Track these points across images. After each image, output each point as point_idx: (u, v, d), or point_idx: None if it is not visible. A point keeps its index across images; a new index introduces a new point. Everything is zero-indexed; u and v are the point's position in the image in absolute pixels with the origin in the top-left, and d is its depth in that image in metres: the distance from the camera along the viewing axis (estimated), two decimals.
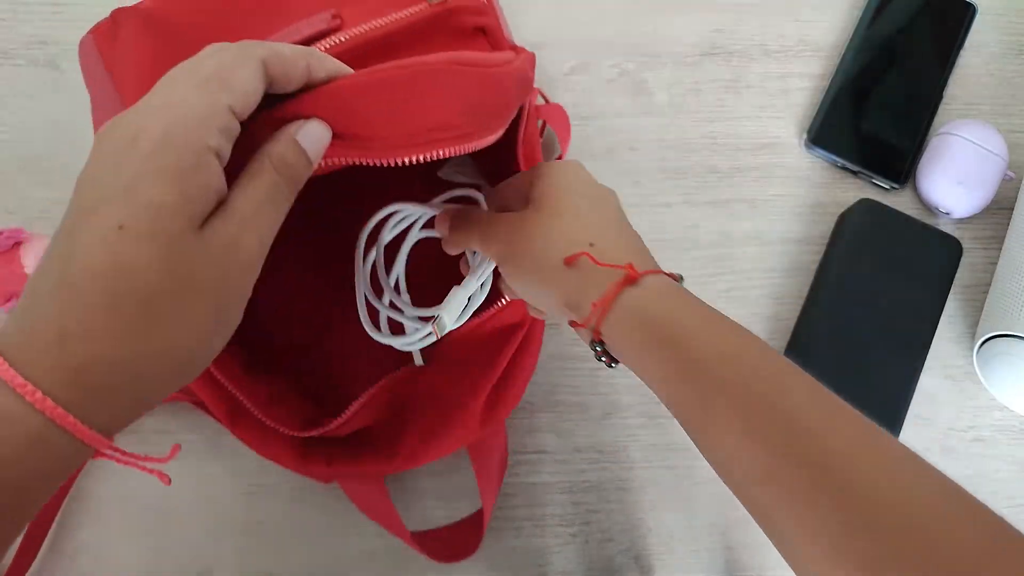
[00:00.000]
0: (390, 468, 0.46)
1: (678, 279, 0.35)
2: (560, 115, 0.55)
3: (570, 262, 0.33)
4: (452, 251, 0.41)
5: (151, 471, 0.27)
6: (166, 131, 0.24)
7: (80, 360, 0.23)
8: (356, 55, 0.35)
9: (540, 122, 0.50)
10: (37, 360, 0.22)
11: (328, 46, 0.36)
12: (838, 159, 0.57)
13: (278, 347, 0.48)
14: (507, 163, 0.42)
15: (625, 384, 0.54)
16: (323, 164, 0.30)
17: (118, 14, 0.38)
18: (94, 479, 0.51)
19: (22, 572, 0.48)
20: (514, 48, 0.40)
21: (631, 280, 0.32)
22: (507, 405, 0.48)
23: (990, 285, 0.55)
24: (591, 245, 0.33)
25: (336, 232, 0.47)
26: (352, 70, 0.30)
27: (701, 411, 0.29)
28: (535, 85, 0.46)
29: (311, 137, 0.28)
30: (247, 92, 0.25)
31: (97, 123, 0.44)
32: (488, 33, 0.40)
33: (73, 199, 0.25)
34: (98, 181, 0.24)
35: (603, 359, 0.34)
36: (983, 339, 0.52)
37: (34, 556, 0.49)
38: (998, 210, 0.57)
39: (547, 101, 0.56)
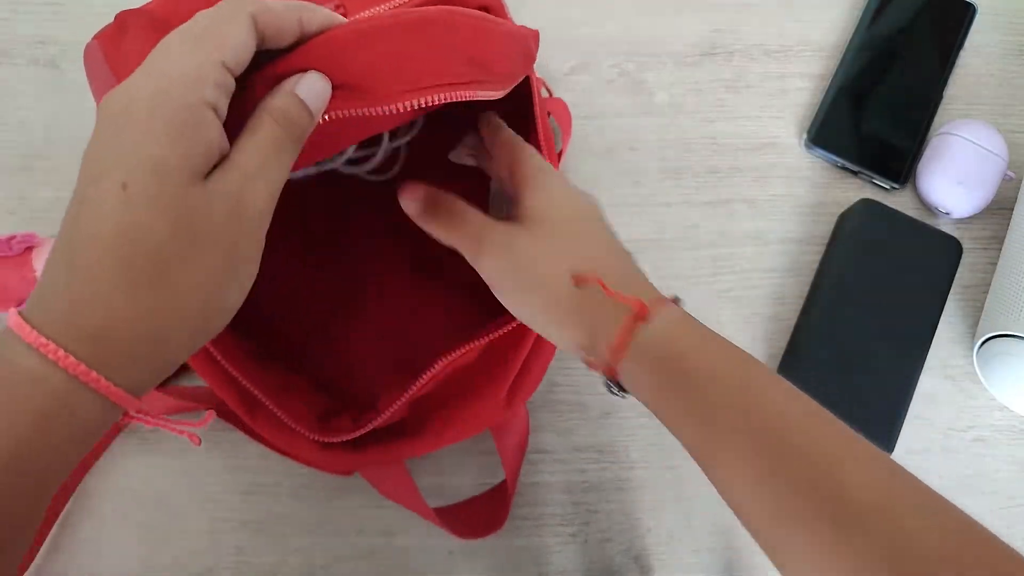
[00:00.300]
0: (414, 452, 0.46)
1: (677, 302, 0.34)
2: (563, 110, 0.55)
3: (580, 283, 0.33)
4: (424, 227, 0.37)
5: (183, 432, 0.28)
6: (160, 90, 0.24)
7: (97, 323, 0.23)
8: (364, 50, 0.34)
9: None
10: (56, 326, 0.23)
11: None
12: (838, 159, 0.57)
13: (288, 340, 0.47)
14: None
15: None
16: (327, 118, 0.29)
17: (123, 17, 0.37)
18: (94, 476, 0.51)
19: (23, 569, 0.48)
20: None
21: (642, 317, 0.32)
22: (528, 387, 0.48)
23: (990, 285, 0.55)
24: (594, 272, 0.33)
25: (343, 222, 0.46)
26: (345, 20, 0.30)
27: (711, 456, 0.30)
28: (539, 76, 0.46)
29: (311, 90, 0.27)
30: (238, 47, 0.25)
31: None
32: (491, 11, 0.39)
33: (79, 175, 0.25)
34: (100, 151, 0.25)
35: (614, 392, 0.34)
36: (983, 339, 0.52)
37: (35, 552, 0.49)
38: (998, 210, 0.57)
39: (551, 94, 0.56)
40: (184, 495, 0.51)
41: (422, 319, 0.50)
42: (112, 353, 0.23)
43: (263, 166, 0.26)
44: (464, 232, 0.35)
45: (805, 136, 0.58)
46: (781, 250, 0.57)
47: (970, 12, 0.59)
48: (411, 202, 0.37)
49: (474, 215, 0.36)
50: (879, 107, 0.58)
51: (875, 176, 0.57)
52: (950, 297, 0.55)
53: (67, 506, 0.50)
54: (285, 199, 0.29)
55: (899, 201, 0.57)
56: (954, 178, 0.54)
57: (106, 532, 0.50)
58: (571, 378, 0.54)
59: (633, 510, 0.53)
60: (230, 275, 0.25)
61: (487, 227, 0.35)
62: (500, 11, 0.40)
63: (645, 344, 0.32)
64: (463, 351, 0.41)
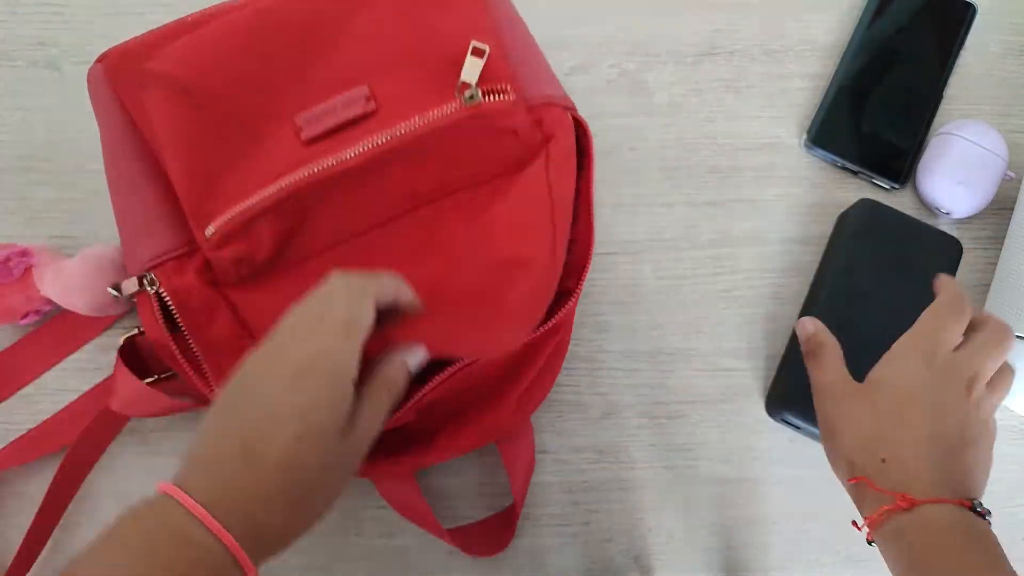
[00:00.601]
0: (424, 461, 0.46)
1: (974, 508, 0.39)
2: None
3: (852, 481, 0.41)
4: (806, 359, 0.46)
5: None
6: (330, 372, 0.34)
7: (258, 523, 0.32)
8: (397, 155, 0.40)
9: None
10: (233, 521, 0.31)
11: (367, 147, 0.40)
12: (838, 159, 0.57)
13: None
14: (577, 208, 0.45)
15: (625, 384, 0.54)
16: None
17: (144, 74, 0.40)
18: (93, 478, 0.51)
19: (25, 570, 0.49)
20: (543, 113, 0.44)
21: (901, 508, 0.38)
22: (536, 399, 0.49)
23: (990, 285, 0.55)
24: (882, 461, 0.39)
25: (362, 238, 0.47)
26: (419, 303, 0.39)
27: None
28: None
29: (415, 360, 0.39)
30: (368, 327, 0.35)
31: (109, 152, 0.44)
32: (518, 134, 0.43)
33: (247, 395, 0.34)
34: (279, 397, 0.33)
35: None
36: None
37: (36, 555, 0.49)
38: (998, 210, 0.57)
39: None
40: None
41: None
42: (258, 543, 0.32)
43: (375, 423, 0.36)
44: (823, 379, 0.44)
45: (805, 136, 0.58)
46: (781, 250, 0.57)
47: (970, 12, 0.59)
48: (801, 332, 0.47)
49: (838, 366, 0.44)
50: (879, 107, 0.58)
51: (875, 176, 0.57)
52: None
53: (67, 507, 0.50)
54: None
55: (899, 201, 0.57)
56: (954, 178, 0.54)
57: None
58: (572, 378, 0.54)
59: (633, 510, 0.53)
60: (336, 493, 0.35)
61: (838, 383, 0.43)
62: (527, 132, 0.44)
63: (893, 528, 0.38)
64: (467, 363, 0.42)
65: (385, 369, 0.37)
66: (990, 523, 0.39)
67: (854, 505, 0.41)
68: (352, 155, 0.40)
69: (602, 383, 0.54)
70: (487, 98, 0.41)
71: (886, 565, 0.39)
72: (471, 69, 0.40)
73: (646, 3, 0.60)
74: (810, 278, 0.56)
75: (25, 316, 0.50)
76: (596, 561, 0.52)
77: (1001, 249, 0.56)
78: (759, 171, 0.58)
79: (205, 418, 0.34)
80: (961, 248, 0.53)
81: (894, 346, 0.43)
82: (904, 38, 0.59)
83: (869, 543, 0.40)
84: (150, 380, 0.49)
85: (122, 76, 0.42)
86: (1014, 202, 0.56)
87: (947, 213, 0.56)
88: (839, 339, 0.52)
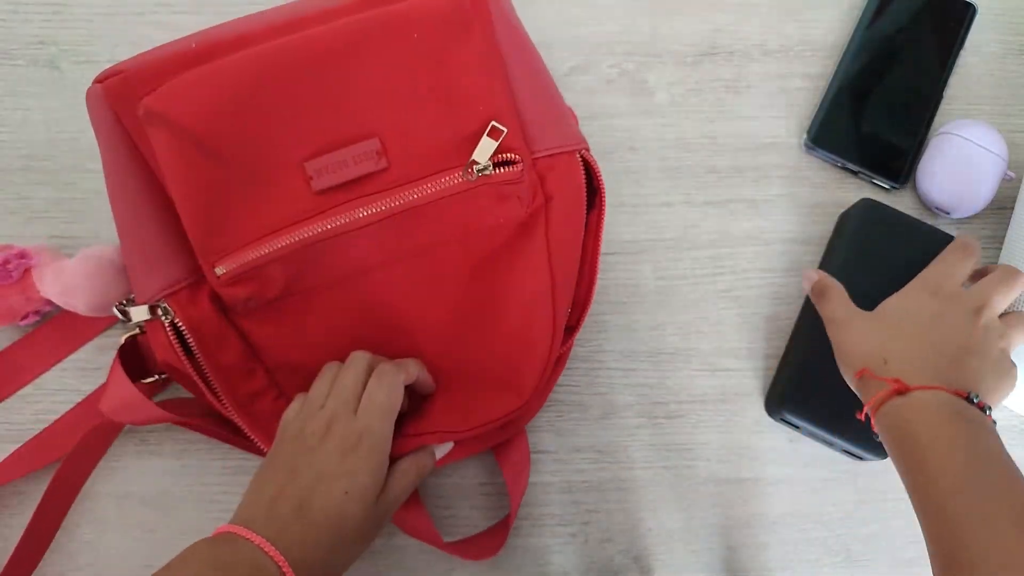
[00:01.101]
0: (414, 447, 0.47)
1: (969, 399, 0.42)
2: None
3: (859, 376, 0.45)
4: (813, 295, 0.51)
5: None
6: (371, 448, 0.41)
7: (309, 560, 0.38)
8: (408, 218, 0.43)
9: None
10: (290, 553, 0.37)
11: (382, 208, 0.42)
12: (838, 159, 0.57)
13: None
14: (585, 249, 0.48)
15: (624, 384, 0.54)
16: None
17: (150, 112, 0.40)
18: (94, 478, 0.51)
19: (28, 572, 0.49)
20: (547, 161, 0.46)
21: (897, 392, 0.42)
22: (532, 410, 0.51)
23: None
24: (884, 361, 0.44)
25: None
26: (433, 386, 0.47)
27: (926, 518, 0.39)
28: None
29: (443, 451, 0.48)
30: (399, 408, 0.43)
31: (111, 176, 0.44)
32: (521, 198, 0.45)
33: (303, 462, 0.41)
34: (328, 460, 0.41)
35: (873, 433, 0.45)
36: None
37: (40, 555, 0.49)
38: (998, 210, 0.57)
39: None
40: (184, 496, 0.51)
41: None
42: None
43: (402, 496, 0.43)
44: (832, 312, 0.49)
45: (805, 136, 0.58)
46: (781, 250, 0.57)
47: (970, 12, 0.59)
48: (807, 282, 0.52)
49: (844, 300, 0.49)
50: (879, 107, 0.58)
51: (875, 176, 0.57)
52: None
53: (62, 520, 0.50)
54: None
55: (899, 201, 0.57)
56: (954, 178, 0.54)
57: (106, 533, 0.50)
58: (571, 378, 0.54)
59: (633, 510, 0.53)
60: (366, 547, 0.42)
61: (846, 312, 0.48)
62: (527, 195, 0.45)
63: (889, 412, 0.43)
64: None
65: (419, 454, 0.45)
66: (992, 420, 0.42)
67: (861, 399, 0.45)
68: (363, 215, 0.42)
69: (602, 383, 0.54)
70: (497, 169, 0.43)
71: (889, 455, 0.43)
72: (484, 149, 0.42)
73: (646, 3, 0.60)
74: None
75: (25, 317, 0.50)
76: (595, 561, 0.52)
77: (1001, 249, 0.56)
78: (759, 171, 0.58)
79: (258, 475, 0.41)
80: None
81: (904, 287, 0.48)
82: (904, 38, 0.59)
83: (874, 435, 0.44)
84: (151, 380, 0.49)
85: (124, 102, 0.41)
86: (1014, 202, 0.56)
87: (947, 213, 0.56)
88: None
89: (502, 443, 0.51)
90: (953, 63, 0.59)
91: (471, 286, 0.46)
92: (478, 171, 0.42)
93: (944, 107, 0.58)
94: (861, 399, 0.45)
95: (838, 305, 0.49)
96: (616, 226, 0.57)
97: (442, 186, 0.42)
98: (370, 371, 0.44)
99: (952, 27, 0.59)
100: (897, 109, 0.58)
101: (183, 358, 0.43)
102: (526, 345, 0.45)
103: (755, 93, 0.59)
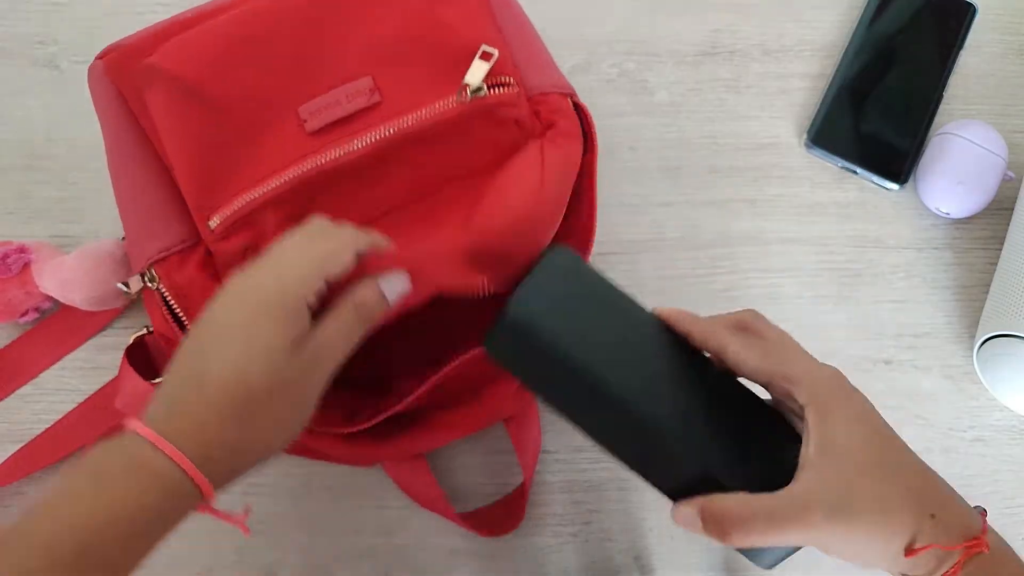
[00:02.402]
0: (433, 442, 0.47)
1: (983, 515, 0.35)
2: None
3: (912, 555, 0.32)
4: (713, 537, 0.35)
5: (235, 522, 0.37)
6: (280, 290, 0.34)
7: (208, 441, 0.32)
8: (401, 146, 0.41)
9: None
10: (183, 441, 0.32)
11: (372, 140, 0.40)
12: (838, 159, 0.57)
13: None
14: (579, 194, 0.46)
15: None
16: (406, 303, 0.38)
17: (148, 71, 0.40)
18: None
19: None
20: (542, 107, 0.44)
21: (980, 547, 0.32)
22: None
23: (990, 285, 0.55)
24: (932, 517, 0.33)
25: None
26: (384, 241, 0.39)
27: None
28: None
29: (392, 285, 0.37)
30: (341, 270, 0.35)
31: (111, 148, 0.44)
32: (519, 124, 0.43)
33: (204, 325, 0.34)
34: (228, 319, 0.34)
35: None
36: (983, 339, 0.52)
37: None
38: (998, 210, 0.57)
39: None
40: None
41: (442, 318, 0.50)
42: (210, 463, 0.32)
43: (335, 342, 0.35)
44: (754, 533, 0.33)
45: (805, 136, 0.58)
46: (780, 250, 0.57)
47: (970, 12, 0.60)
48: (690, 526, 0.35)
49: (742, 503, 0.34)
50: (879, 107, 0.58)
51: (875, 176, 0.57)
52: (949, 298, 0.56)
53: None
54: None
55: (899, 201, 0.58)
56: (954, 178, 0.54)
57: None
58: None
59: (634, 510, 0.53)
60: (295, 416, 0.35)
61: (771, 507, 0.33)
62: (526, 121, 0.43)
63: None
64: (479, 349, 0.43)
65: (355, 290, 0.36)
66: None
67: None
68: (358, 147, 0.40)
69: None
70: (492, 91, 0.41)
71: None
72: (477, 72, 0.41)
73: (646, 3, 0.60)
74: (809, 278, 0.56)
75: (24, 314, 0.50)
76: (596, 560, 0.52)
77: (1001, 249, 0.56)
78: (759, 171, 0.58)
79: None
80: None
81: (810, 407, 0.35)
82: (904, 38, 0.59)
83: None
84: (158, 380, 0.49)
85: (123, 73, 0.42)
86: (1014, 202, 0.57)
87: (946, 213, 0.56)
88: None
89: (513, 418, 0.51)
90: (953, 63, 0.59)
91: (466, 213, 0.43)
92: (472, 92, 0.41)
93: (944, 107, 0.59)
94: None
95: (765, 526, 0.33)
96: (616, 226, 0.57)
97: (437, 110, 0.41)
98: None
99: (952, 27, 0.59)
100: (897, 109, 0.58)
101: (175, 328, 0.42)
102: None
103: (755, 93, 0.59)
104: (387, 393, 0.46)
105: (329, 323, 0.35)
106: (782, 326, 0.55)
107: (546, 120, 0.44)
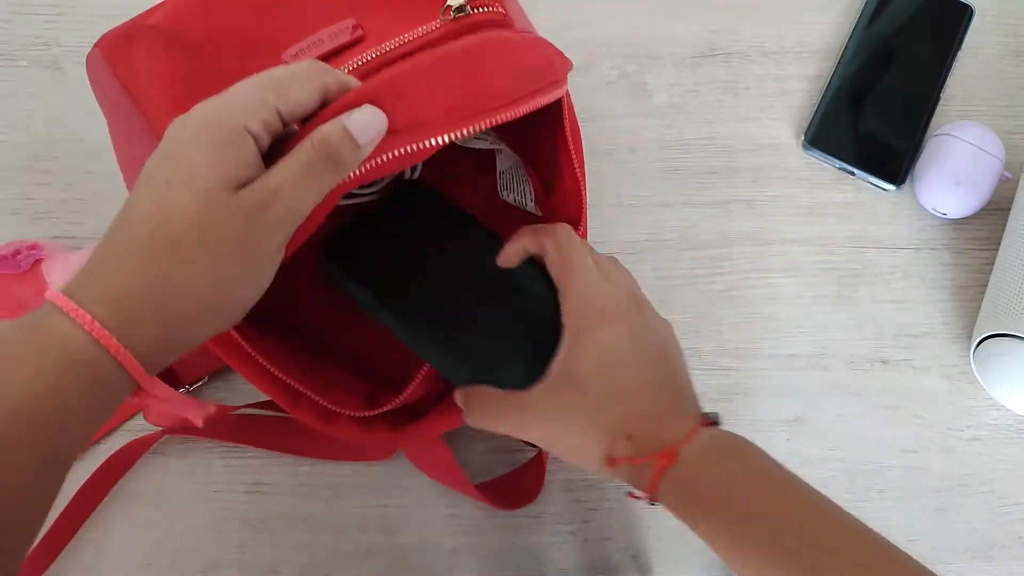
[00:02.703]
0: (452, 424, 0.46)
1: (715, 421, 0.38)
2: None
3: (612, 465, 0.36)
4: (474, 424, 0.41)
5: (191, 405, 0.31)
6: (214, 114, 0.28)
7: (117, 287, 0.27)
8: (384, 68, 0.37)
9: None
10: (83, 290, 0.27)
11: (355, 65, 0.38)
12: (836, 160, 0.57)
13: (321, 330, 0.48)
14: (556, 159, 0.45)
15: None
16: (379, 160, 0.32)
17: (130, 31, 0.39)
18: None
19: (41, 570, 0.49)
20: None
21: (668, 462, 0.35)
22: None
23: (987, 285, 0.55)
24: (628, 438, 0.36)
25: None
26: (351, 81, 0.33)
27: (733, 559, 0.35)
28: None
29: (361, 121, 0.30)
30: (299, 103, 0.30)
31: (115, 136, 0.44)
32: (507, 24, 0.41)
33: (141, 171, 0.29)
34: (156, 157, 0.29)
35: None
36: (980, 339, 0.52)
37: (58, 551, 0.49)
38: (995, 210, 0.57)
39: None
40: (186, 493, 0.51)
41: None
42: (127, 318, 0.27)
43: (291, 185, 0.29)
44: (495, 413, 0.39)
45: (803, 137, 0.58)
46: (779, 250, 0.57)
47: (968, 13, 0.60)
48: (459, 403, 0.41)
49: (503, 401, 0.39)
50: (877, 108, 0.58)
51: (872, 177, 0.57)
52: (948, 297, 0.56)
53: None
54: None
55: (896, 202, 0.58)
56: (951, 179, 0.54)
57: (108, 530, 0.51)
58: None
59: (633, 509, 0.53)
60: (241, 273, 0.29)
61: (516, 402, 0.38)
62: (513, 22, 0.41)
63: (671, 483, 0.36)
64: None
65: (321, 128, 0.30)
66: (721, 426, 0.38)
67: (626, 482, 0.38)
68: (343, 72, 0.38)
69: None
70: (476, 11, 0.39)
71: (678, 518, 0.37)
72: None
73: (645, 4, 0.60)
74: (808, 277, 0.57)
75: None
76: (595, 559, 0.52)
77: (998, 250, 0.56)
78: (757, 172, 0.58)
79: None
80: None
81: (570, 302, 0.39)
82: (902, 40, 0.59)
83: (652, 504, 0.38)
84: (180, 391, 0.49)
85: (117, 49, 0.41)
86: (1010, 203, 0.57)
87: (943, 214, 0.56)
88: None
89: None
90: (951, 65, 0.59)
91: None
92: (455, 12, 0.39)
93: (942, 108, 0.59)
94: (631, 485, 0.38)
95: (485, 415, 0.40)
96: (616, 226, 0.57)
97: (420, 34, 0.39)
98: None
99: (950, 29, 0.60)
100: (895, 110, 0.58)
101: None
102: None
103: (754, 94, 0.59)
104: (400, 383, 0.45)
105: (281, 164, 0.29)
106: (782, 326, 0.56)
107: None
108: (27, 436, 0.25)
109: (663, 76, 0.59)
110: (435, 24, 0.39)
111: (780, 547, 0.33)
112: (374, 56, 0.38)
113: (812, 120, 0.58)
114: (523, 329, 0.41)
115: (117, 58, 0.41)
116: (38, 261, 0.49)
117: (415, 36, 0.39)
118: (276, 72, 0.30)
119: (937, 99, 0.59)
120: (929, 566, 0.33)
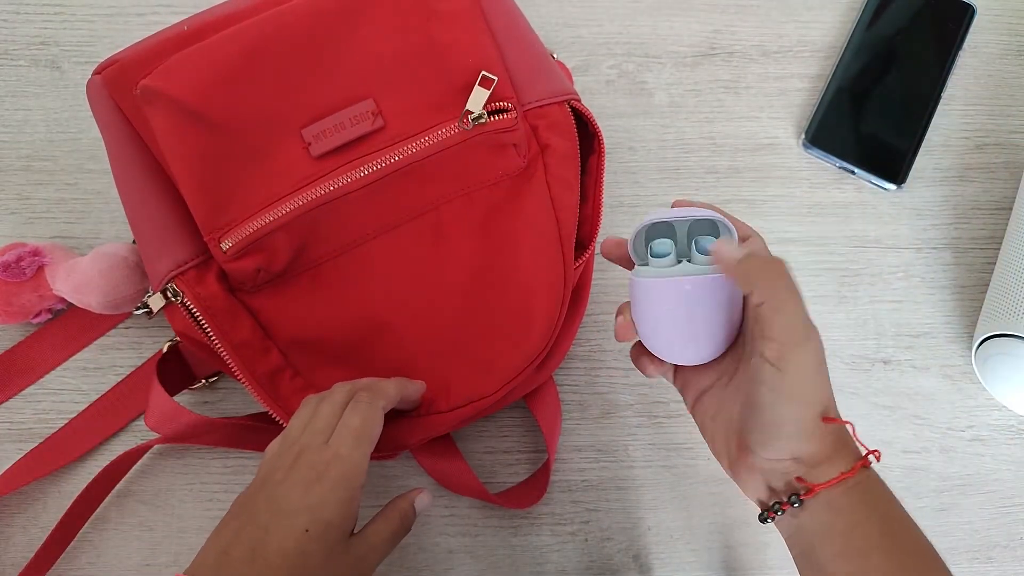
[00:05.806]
0: (454, 422, 0.47)
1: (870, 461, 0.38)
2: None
3: (829, 422, 0.36)
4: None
5: None
6: (342, 476, 0.37)
7: None
8: (405, 172, 0.42)
9: None
10: None
11: (382, 165, 0.41)
12: (836, 159, 0.57)
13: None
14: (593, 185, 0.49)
15: (624, 384, 0.54)
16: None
17: (148, 92, 0.40)
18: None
19: (43, 571, 0.49)
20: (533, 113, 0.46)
21: (865, 465, 0.36)
22: (556, 359, 0.50)
23: (988, 285, 0.55)
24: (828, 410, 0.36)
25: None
26: (418, 400, 0.45)
27: None
28: None
29: (423, 504, 0.43)
30: (377, 435, 0.40)
31: (116, 165, 0.45)
32: (517, 146, 0.45)
33: (263, 499, 0.37)
34: (292, 492, 0.37)
35: (781, 510, 0.37)
36: (981, 339, 0.52)
37: (58, 555, 0.49)
38: (996, 210, 0.57)
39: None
40: (184, 495, 0.51)
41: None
42: None
43: (383, 544, 0.39)
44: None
45: (803, 136, 0.58)
46: (779, 250, 0.57)
47: (969, 13, 0.60)
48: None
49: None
50: (877, 108, 0.58)
51: (873, 176, 0.57)
52: (948, 297, 0.56)
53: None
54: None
55: (897, 201, 0.58)
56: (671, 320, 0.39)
57: (106, 532, 0.50)
58: (571, 378, 0.54)
59: (632, 509, 0.53)
60: None
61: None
62: (523, 143, 0.46)
63: (855, 487, 0.36)
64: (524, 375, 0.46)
65: (400, 501, 0.42)
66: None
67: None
68: (365, 174, 0.42)
69: (601, 383, 0.54)
70: (492, 117, 0.43)
71: (812, 515, 0.36)
72: (478, 98, 0.42)
73: (645, 4, 0.60)
74: (808, 277, 0.56)
75: (38, 315, 0.51)
76: (595, 560, 0.52)
77: (999, 249, 0.56)
78: (757, 171, 0.58)
79: (222, 520, 0.38)
80: None
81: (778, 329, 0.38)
82: (903, 39, 0.59)
83: (784, 505, 0.37)
84: (198, 385, 0.51)
85: (122, 89, 0.42)
86: (1012, 202, 0.57)
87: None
88: None
89: (531, 392, 0.51)
90: (952, 64, 0.59)
91: (482, 242, 0.46)
92: (473, 120, 0.42)
93: (942, 107, 0.59)
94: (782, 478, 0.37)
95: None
96: (616, 226, 0.57)
97: (439, 138, 0.42)
98: (350, 400, 0.41)
99: (951, 28, 0.59)
100: (895, 110, 0.58)
101: (204, 335, 0.43)
102: (540, 286, 0.45)
103: (754, 94, 0.59)
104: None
105: (380, 523, 0.40)
106: None
107: (543, 141, 0.46)
108: None
109: (663, 75, 0.59)
110: (453, 127, 0.42)
111: None
112: (397, 159, 0.42)
113: (812, 119, 0.58)
114: None
115: (125, 103, 0.43)
116: (42, 267, 0.50)
117: (435, 140, 0.42)
118: (356, 418, 0.39)
119: (938, 99, 0.58)
120: None
